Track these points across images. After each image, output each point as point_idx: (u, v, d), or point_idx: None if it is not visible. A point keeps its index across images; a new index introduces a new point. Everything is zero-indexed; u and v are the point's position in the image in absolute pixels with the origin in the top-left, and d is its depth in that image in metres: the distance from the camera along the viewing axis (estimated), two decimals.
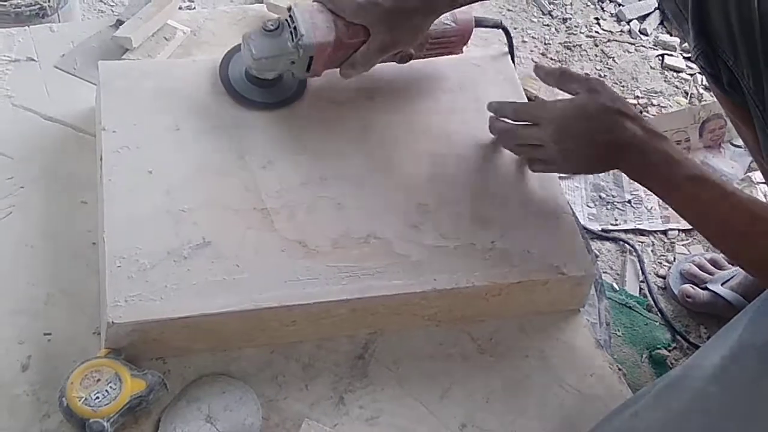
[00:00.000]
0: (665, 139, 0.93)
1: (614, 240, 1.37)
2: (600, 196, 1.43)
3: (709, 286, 1.27)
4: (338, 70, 1.05)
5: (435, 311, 1.00)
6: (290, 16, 1.00)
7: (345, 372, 0.98)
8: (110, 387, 0.86)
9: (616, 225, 1.40)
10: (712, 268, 1.31)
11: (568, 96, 0.98)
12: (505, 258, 1.00)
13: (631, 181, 1.02)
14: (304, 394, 0.95)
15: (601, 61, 1.65)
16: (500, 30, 1.19)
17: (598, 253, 1.34)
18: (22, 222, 1.02)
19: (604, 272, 1.31)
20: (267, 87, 1.07)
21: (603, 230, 1.38)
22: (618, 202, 1.43)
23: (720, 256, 1.33)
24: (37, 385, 0.90)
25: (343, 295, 0.94)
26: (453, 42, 1.11)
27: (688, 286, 1.29)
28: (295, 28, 0.99)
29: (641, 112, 1.55)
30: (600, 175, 1.45)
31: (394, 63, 1.08)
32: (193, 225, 0.96)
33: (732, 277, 1.26)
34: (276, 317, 0.94)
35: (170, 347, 0.93)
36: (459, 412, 0.97)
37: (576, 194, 1.42)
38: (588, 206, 1.42)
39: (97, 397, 0.85)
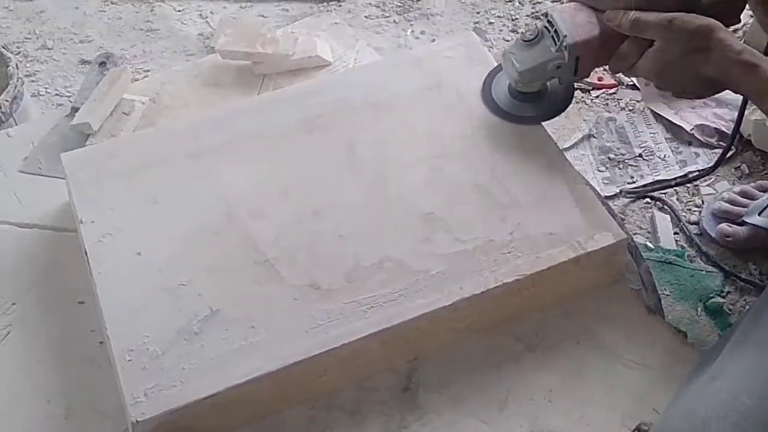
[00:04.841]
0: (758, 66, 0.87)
1: (637, 198, 1.30)
2: (609, 158, 1.36)
3: (746, 219, 1.20)
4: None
5: (470, 320, 0.94)
6: (548, 20, 0.98)
7: (394, 408, 0.91)
8: None
9: (633, 182, 1.33)
10: (744, 200, 1.24)
11: None
12: (529, 246, 0.94)
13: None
14: None
15: None
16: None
17: (623, 216, 1.27)
18: (23, 339, 0.97)
19: (634, 234, 1.23)
20: (534, 101, 1.05)
21: (621, 191, 1.31)
22: (628, 159, 1.36)
23: (749, 186, 1.25)
24: None
25: (370, 329, 0.88)
26: None
27: (724, 225, 1.22)
28: (555, 31, 0.96)
29: None
30: (603, 135, 1.38)
31: (361, 70, 1.02)
32: (196, 296, 0.90)
33: None
34: (306, 371, 0.87)
35: (206, 430, 0.87)
36: (523, 420, 0.90)
37: (584, 161, 1.36)
38: (599, 170, 1.35)
39: None
